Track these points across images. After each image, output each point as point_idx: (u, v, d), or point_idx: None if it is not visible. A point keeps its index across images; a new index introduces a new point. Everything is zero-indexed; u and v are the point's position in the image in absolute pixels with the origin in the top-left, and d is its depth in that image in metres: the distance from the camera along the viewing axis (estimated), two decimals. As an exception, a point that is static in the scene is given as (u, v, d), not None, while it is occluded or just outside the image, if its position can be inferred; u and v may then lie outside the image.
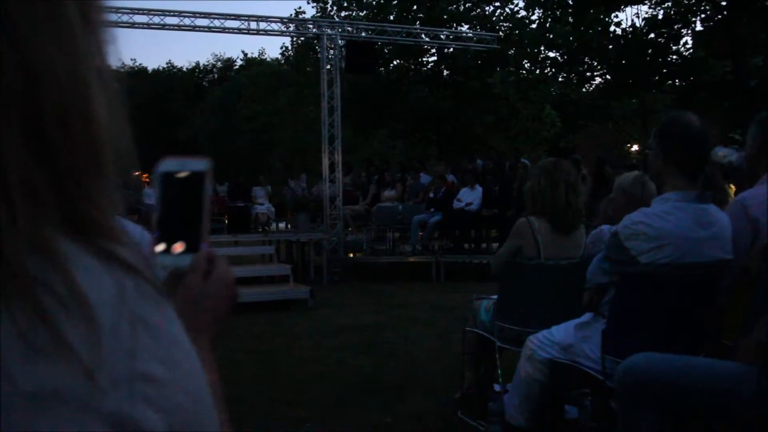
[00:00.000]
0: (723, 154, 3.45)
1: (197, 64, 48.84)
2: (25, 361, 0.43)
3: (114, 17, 11.13)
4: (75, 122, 0.50)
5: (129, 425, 0.47)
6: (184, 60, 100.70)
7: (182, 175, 0.87)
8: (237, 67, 46.42)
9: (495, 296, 4.25)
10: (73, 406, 0.44)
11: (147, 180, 15.65)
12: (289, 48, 31.91)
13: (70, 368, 0.44)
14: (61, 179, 0.49)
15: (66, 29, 0.50)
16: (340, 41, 14.73)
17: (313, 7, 26.68)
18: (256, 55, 45.67)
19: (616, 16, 23.54)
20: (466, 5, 24.89)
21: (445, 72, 25.46)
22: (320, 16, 23.96)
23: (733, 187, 6.25)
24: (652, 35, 22.18)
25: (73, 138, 0.50)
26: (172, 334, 0.53)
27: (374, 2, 24.52)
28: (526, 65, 25.60)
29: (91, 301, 0.47)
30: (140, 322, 0.50)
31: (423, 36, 18.03)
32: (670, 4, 22.16)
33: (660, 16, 22.22)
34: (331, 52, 14.82)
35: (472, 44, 17.61)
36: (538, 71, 25.36)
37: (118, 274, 0.50)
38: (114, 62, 0.54)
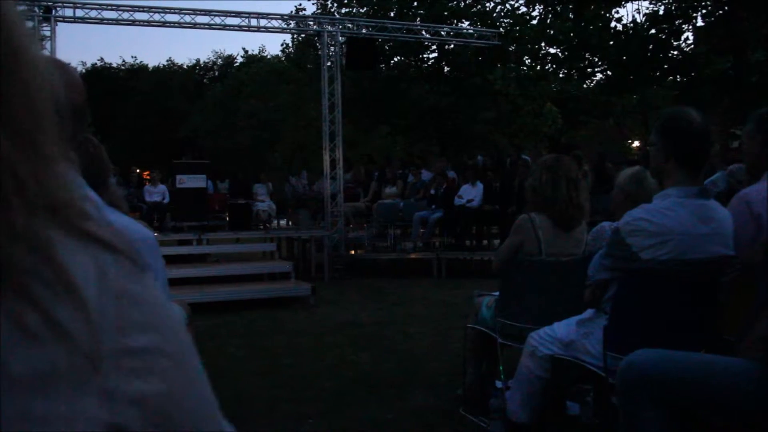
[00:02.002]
0: (715, 180, 3.38)
1: (198, 61, 48.60)
2: (17, 346, 0.44)
3: (115, 15, 11.07)
4: (38, 105, 0.50)
5: (118, 398, 0.48)
6: (184, 57, 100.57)
7: None
8: (237, 64, 46.32)
9: (496, 293, 4.24)
10: (65, 386, 0.45)
11: (148, 177, 15.65)
12: (290, 45, 31.89)
13: (63, 350, 0.45)
14: (32, 162, 0.49)
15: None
16: (340, 38, 14.72)
17: (313, 3, 26.71)
18: (256, 52, 45.60)
19: (617, 12, 23.51)
20: (467, 1, 24.85)
21: (446, 68, 25.42)
22: (320, 13, 23.92)
23: None
24: (652, 31, 22.13)
25: (40, 121, 0.50)
26: (153, 302, 0.54)
27: (375, -1, 24.47)
28: (526, 61, 25.52)
29: (77, 282, 0.48)
30: (123, 295, 0.51)
31: (423, 32, 18.03)
32: (670, -1, 22.13)
33: (661, 12, 22.17)
34: (332, 48, 14.82)
35: (472, 41, 17.60)
36: (538, 67, 25.28)
37: (96, 251, 0.51)
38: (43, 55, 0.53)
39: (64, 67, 1.59)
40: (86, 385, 0.46)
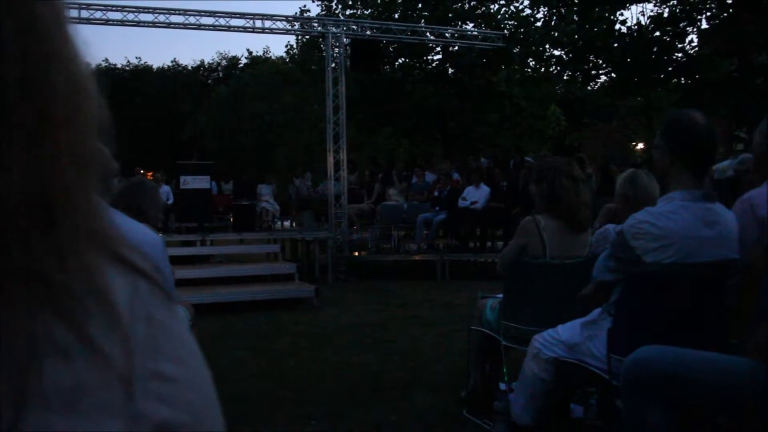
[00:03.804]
0: (724, 167, 3.36)
1: (202, 62, 48.65)
2: (46, 361, 0.44)
3: (119, 16, 11.08)
4: (87, 123, 0.49)
5: (143, 422, 0.48)
6: (188, 58, 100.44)
7: None
8: (242, 65, 46.38)
9: (500, 295, 4.24)
10: (91, 405, 0.45)
11: (151, 178, 15.67)
12: (294, 46, 31.90)
13: (93, 369, 0.46)
14: (81, 184, 0.49)
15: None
16: (344, 39, 14.73)
17: (318, 5, 26.71)
18: (260, 53, 45.66)
19: (621, 15, 23.51)
20: (471, 3, 24.86)
21: (450, 70, 25.43)
22: (325, 15, 23.95)
23: None
24: (657, 33, 22.10)
25: (88, 141, 0.49)
26: (181, 334, 0.55)
27: (379, 0, 24.47)
28: (531, 63, 25.52)
29: (115, 302, 0.49)
30: (153, 322, 0.51)
31: (428, 34, 18.01)
32: (675, 2, 22.08)
33: (665, 15, 22.15)
34: (336, 50, 14.82)
35: (477, 42, 17.60)
36: (543, 69, 25.29)
37: (131, 276, 0.52)
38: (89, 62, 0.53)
39: None
40: (113, 407, 0.46)
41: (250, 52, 46.92)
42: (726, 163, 3.22)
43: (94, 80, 0.51)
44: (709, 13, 21.57)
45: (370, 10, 24.64)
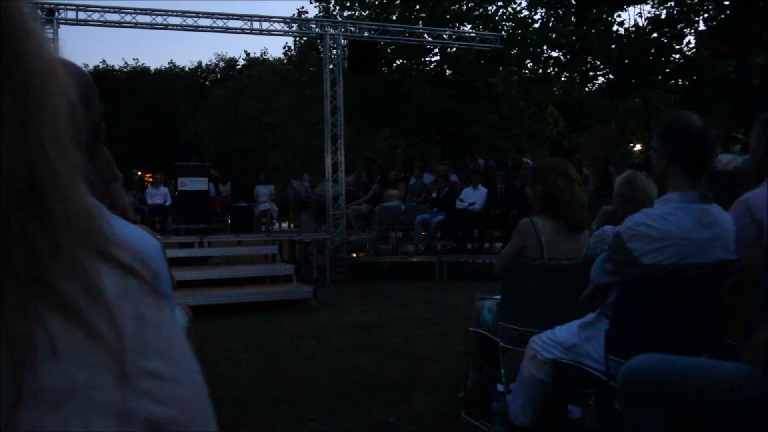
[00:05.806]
0: (727, 160, 3.34)
1: (200, 63, 48.77)
2: (43, 359, 0.44)
3: (117, 17, 11.08)
4: (56, 112, 0.49)
5: (134, 420, 0.48)
6: (186, 60, 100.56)
7: None
8: (239, 66, 46.41)
9: (498, 296, 4.24)
10: (81, 404, 0.45)
11: (150, 180, 15.66)
12: (292, 48, 31.91)
13: (85, 367, 0.46)
14: (72, 182, 0.49)
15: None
16: (342, 41, 14.74)
17: (315, 6, 26.73)
18: (258, 54, 45.67)
19: (619, 16, 23.58)
20: (469, 5, 24.86)
21: (448, 71, 25.44)
22: (323, 16, 23.97)
23: None
24: (654, 35, 22.15)
25: (56, 128, 0.49)
26: (170, 331, 0.54)
27: (377, 2, 24.47)
28: (528, 65, 25.55)
29: (109, 300, 0.49)
30: (142, 319, 0.51)
31: (426, 36, 18.04)
32: (672, 3, 22.13)
33: (663, 16, 22.20)
34: (334, 51, 14.83)
35: (474, 44, 17.62)
36: (540, 71, 25.31)
37: (120, 274, 0.52)
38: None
39: (75, 70, 1.52)
40: (104, 405, 0.46)
41: (248, 54, 46.92)
42: (730, 156, 3.22)
43: (63, 71, 0.51)
44: (706, 15, 21.62)
45: (367, 12, 24.64)
